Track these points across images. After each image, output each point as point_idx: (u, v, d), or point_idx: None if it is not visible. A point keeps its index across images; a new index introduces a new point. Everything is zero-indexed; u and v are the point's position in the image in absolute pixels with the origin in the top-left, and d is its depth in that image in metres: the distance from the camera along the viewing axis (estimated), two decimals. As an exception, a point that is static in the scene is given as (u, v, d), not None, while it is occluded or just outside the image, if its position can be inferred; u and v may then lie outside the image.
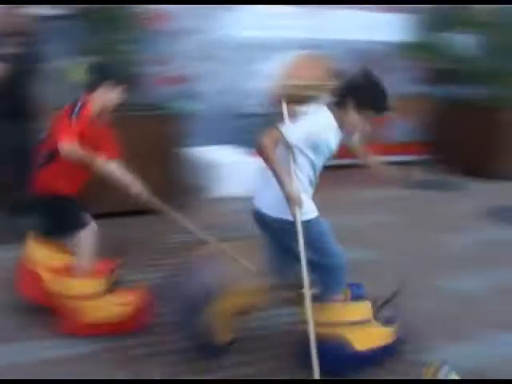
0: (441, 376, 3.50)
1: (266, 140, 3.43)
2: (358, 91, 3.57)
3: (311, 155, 3.60)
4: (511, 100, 9.29)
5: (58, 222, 4.28)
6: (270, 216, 3.65)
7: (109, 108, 4.24)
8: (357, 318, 3.79)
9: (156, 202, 4.36)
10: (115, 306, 4.16)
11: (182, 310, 3.92)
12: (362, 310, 3.85)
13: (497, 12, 9.52)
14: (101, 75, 4.24)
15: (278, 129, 3.50)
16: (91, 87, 4.18)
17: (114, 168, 4.24)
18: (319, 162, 3.67)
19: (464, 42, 9.65)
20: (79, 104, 4.09)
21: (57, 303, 4.18)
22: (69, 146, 3.88)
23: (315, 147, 3.57)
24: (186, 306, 3.89)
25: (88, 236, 4.25)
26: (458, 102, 9.40)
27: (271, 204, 3.63)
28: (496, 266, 5.65)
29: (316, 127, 3.55)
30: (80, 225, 4.23)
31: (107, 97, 4.18)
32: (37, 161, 4.28)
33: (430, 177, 9.30)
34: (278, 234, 3.72)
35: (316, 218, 3.65)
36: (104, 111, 4.23)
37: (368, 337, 3.77)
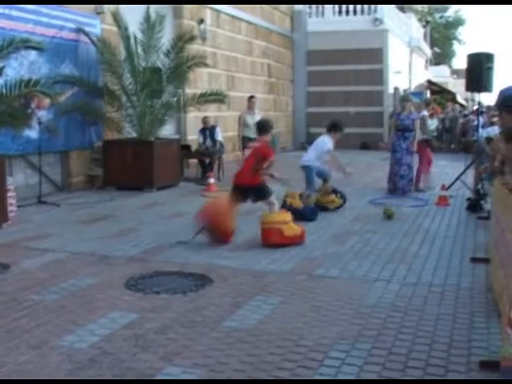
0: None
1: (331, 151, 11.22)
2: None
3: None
4: None
5: (262, 195, 8.73)
6: (302, 164, 11.20)
7: None
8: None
9: None
10: (296, 228, 8.60)
11: None
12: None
13: None
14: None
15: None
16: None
17: None
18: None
19: None
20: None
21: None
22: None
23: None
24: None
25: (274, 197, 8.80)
26: None
27: (305, 160, 11.18)
28: None
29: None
30: (270, 194, 8.73)
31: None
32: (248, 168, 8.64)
33: None
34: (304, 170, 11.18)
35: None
36: None
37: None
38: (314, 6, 28.39)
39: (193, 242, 8.55)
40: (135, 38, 14.11)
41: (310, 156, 11.30)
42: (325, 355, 4.72)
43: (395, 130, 13.29)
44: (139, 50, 14.16)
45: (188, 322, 5.48)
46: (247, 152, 9.06)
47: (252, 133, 14.08)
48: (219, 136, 15.82)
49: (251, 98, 15.08)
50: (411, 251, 8.14)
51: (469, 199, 11.53)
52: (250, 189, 8.72)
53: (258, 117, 14.56)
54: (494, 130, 9.18)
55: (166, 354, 4.77)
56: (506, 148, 5.11)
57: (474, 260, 7.59)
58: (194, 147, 16.15)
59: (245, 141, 14.32)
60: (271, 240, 8.41)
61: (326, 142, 11.17)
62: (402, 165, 13.15)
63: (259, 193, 8.76)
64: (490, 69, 12.10)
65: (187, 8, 18.34)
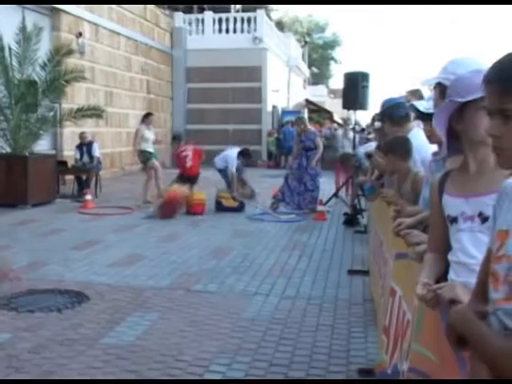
0: None
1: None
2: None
3: None
4: None
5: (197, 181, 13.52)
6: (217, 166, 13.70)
7: None
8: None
9: None
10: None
11: None
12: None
13: None
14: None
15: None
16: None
17: None
18: None
19: None
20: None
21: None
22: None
23: None
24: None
25: None
26: None
27: (219, 163, 13.63)
28: None
29: None
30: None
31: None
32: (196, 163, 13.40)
33: None
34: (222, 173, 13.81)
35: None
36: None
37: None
38: (194, 23, 28.48)
39: (70, 259, 8.34)
40: (10, 48, 13.71)
41: (222, 163, 13.73)
42: (205, 369, 4.69)
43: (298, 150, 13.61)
44: (14, 61, 13.77)
45: (64, 340, 5.31)
46: (189, 153, 13.31)
47: (150, 147, 14.10)
48: (96, 152, 15.57)
49: (150, 114, 14.97)
50: (290, 265, 8.24)
51: (345, 214, 11.80)
52: (196, 177, 13.40)
53: (152, 133, 14.60)
54: (371, 146, 9.45)
55: (40, 373, 4.60)
56: (386, 160, 5.22)
57: (352, 272, 7.78)
58: (70, 163, 15.81)
59: (145, 154, 14.19)
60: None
61: (234, 158, 13.65)
62: (302, 182, 13.46)
63: (197, 179, 13.48)
64: (366, 87, 12.48)
65: (65, 21, 18.02)
